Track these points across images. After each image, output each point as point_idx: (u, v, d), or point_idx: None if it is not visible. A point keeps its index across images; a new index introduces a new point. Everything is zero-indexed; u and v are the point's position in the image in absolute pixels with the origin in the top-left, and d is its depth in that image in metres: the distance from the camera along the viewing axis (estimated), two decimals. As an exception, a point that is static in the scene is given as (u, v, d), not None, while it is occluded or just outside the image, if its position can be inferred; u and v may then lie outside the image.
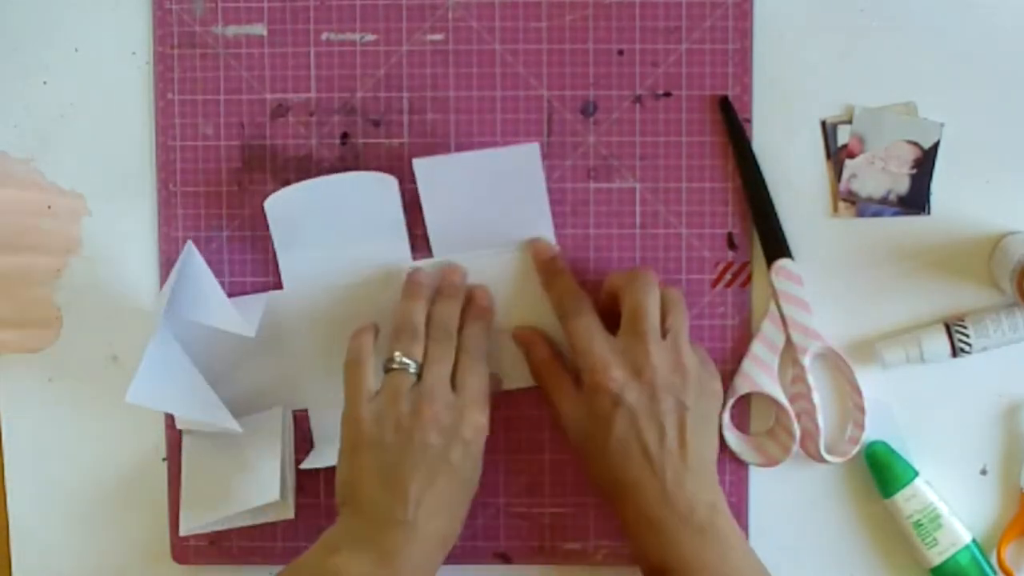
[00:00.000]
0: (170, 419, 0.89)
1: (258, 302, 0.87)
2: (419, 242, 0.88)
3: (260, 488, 0.85)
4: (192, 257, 0.84)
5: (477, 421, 0.82)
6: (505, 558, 0.90)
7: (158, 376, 0.82)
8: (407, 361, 0.82)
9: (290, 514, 0.88)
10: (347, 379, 0.83)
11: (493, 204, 0.86)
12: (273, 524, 0.89)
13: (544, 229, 0.87)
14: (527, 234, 0.87)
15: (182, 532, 0.87)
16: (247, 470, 0.86)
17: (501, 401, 0.88)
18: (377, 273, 0.88)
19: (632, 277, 0.83)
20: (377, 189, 0.86)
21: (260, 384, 0.88)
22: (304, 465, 0.87)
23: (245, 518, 0.87)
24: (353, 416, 0.82)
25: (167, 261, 0.89)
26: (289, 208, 0.86)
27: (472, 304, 0.86)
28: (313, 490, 0.90)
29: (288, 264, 0.88)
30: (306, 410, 0.89)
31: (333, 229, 0.87)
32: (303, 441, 0.89)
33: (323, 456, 0.87)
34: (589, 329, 0.83)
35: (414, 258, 0.88)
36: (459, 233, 0.87)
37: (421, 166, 0.85)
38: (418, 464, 0.80)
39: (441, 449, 0.80)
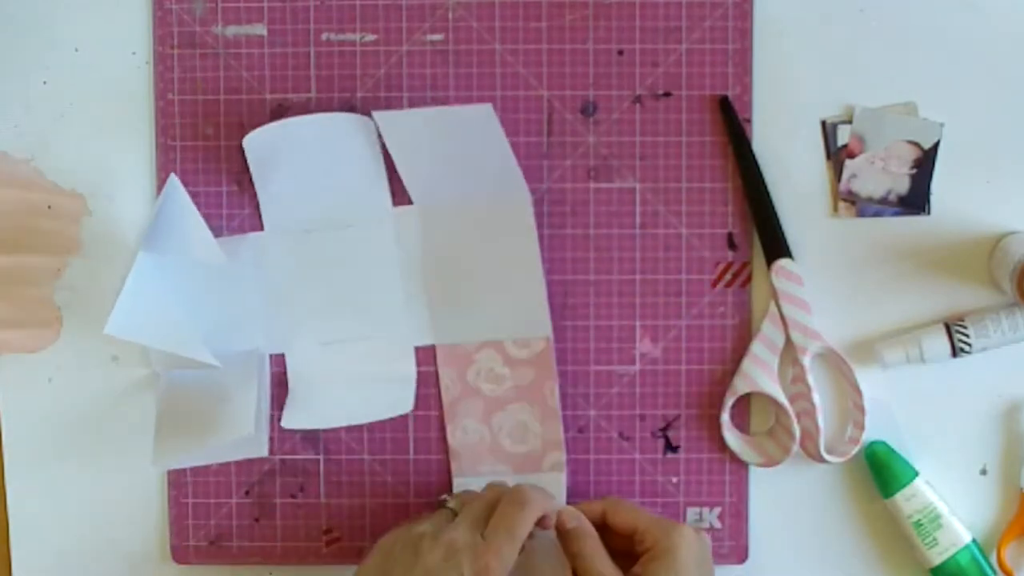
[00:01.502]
0: (170, 419, 0.90)
1: (239, 242, 0.87)
2: (400, 189, 0.88)
3: (234, 422, 0.85)
4: (175, 191, 0.84)
5: (487, 564, 0.77)
6: (505, 558, 0.90)
7: (137, 309, 0.82)
8: (453, 504, 0.83)
9: (263, 452, 0.88)
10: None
11: (459, 158, 0.85)
12: (273, 524, 0.89)
13: (515, 184, 0.86)
14: (499, 187, 0.86)
15: (156, 470, 0.87)
16: (221, 405, 0.86)
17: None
18: (357, 217, 0.88)
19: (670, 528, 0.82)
20: (356, 131, 0.86)
21: (238, 326, 0.88)
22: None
23: (220, 454, 0.87)
24: (389, 531, 0.82)
25: (167, 261, 0.89)
26: (268, 147, 0.86)
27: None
28: (313, 490, 0.90)
29: (268, 205, 0.88)
30: (283, 355, 0.89)
31: (313, 170, 0.87)
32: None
33: (298, 407, 0.87)
34: None
35: (394, 204, 0.88)
36: (432, 183, 0.87)
37: (382, 119, 0.85)
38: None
39: (436, 570, 0.77)
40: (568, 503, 0.87)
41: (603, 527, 0.84)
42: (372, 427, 0.89)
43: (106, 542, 0.91)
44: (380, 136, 0.86)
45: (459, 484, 0.88)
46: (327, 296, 0.88)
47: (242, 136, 0.88)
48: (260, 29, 0.88)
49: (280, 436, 0.89)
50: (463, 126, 0.84)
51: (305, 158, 0.86)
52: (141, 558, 0.91)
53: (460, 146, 0.85)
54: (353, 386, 0.88)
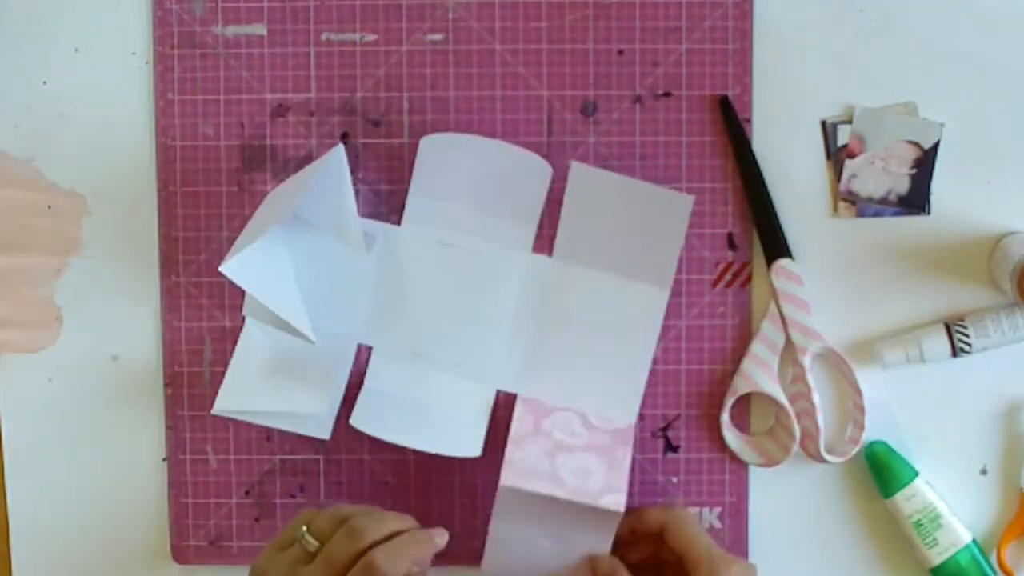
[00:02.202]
0: (171, 419, 0.89)
1: (371, 230, 0.87)
2: (545, 234, 0.88)
3: (309, 396, 0.85)
4: (338, 160, 0.84)
5: None
6: (505, 558, 0.90)
7: (259, 261, 0.82)
8: (310, 539, 0.78)
9: (326, 434, 0.88)
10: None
11: (629, 233, 0.86)
12: (273, 524, 0.90)
13: (664, 274, 0.86)
14: (647, 271, 0.86)
15: (216, 411, 0.87)
16: (300, 375, 0.86)
17: (500, 400, 0.88)
18: (495, 249, 0.88)
19: (683, 520, 0.83)
20: (532, 171, 0.86)
21: (341, 308, 0.88)
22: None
23: (282, 420, 0.87)
24: (256, 560, 0.80)
25: (167, 261, 0.89)
26: (442, 151, 0.86)
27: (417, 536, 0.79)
28: (314, 491, 0.90)
29: (415, 204, 0.88)
30: (371, 348, 0.89)
31: (473, 188, 0.87)
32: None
33: (369, 410, 0.87)
34: None
35: (535, 249, 0.88)
36: (586, 245, 0.87)
37: (577, 170, 0.86)
38: None
39: None
40: (628, 510, 0.83)
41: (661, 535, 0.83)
42: (372, 427, 0.89)
43: (106, 542, 0.91)
44: (550, 184, 0.86)
45: (504, 491, 0.84)
46: (436, 309, 0.88)
47: (242, 136, 0.88)
48: (260, 29, 0.88)
49: (280, 436, 0.89)
50: (654, 206, 0.85)
51: (471, 175, 0.86)
52: (141, 558, 0.91)
53: (639, 223, 0.85)
54: (427, 409, 0.88)
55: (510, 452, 0.85)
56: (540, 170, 0.86)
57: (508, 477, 0.83)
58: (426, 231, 0.88)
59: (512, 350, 0.88)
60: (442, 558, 0.89)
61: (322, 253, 0.87)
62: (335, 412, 0.88)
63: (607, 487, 0.83)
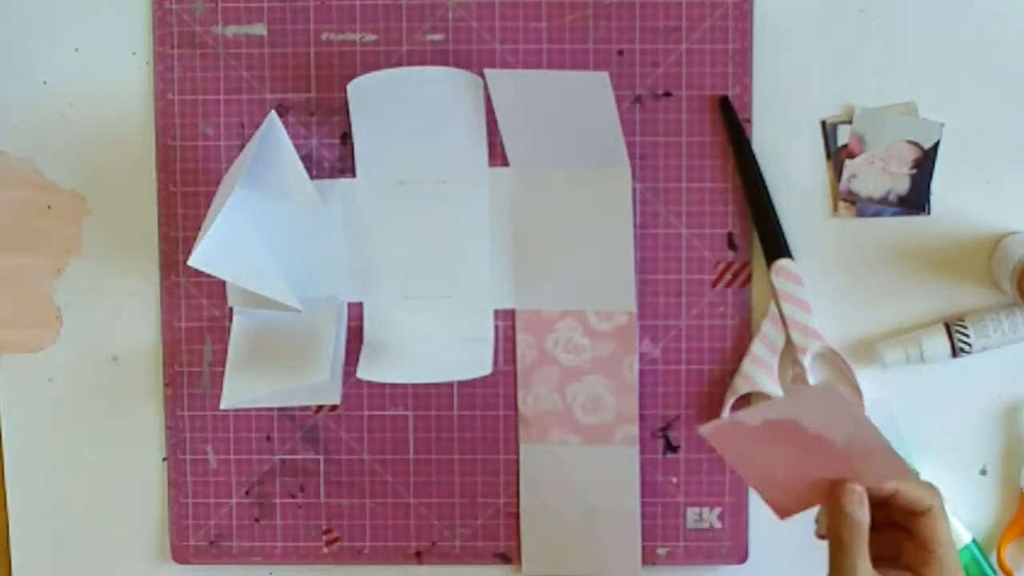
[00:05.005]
0: (171, 419, 0.89)
1: (329, 187, 0.87)
2: (497, 150, 0.88)
3: (310, 367, 0.85)
4: (274, 128, 0.84)
5: None
6: (505, 558, 0.90)
7: (224, 245, 0.82)
8: None
9: (337, 399, 0.88)
10: None
11: (565, 124, 0.85)
12: (273, 524, 0.90)
13: (617, 155, 0.86)
14: (600, 157, 0.86)
15: (224, 405, 0.86)
16: (298, 349, 0.86)
17: (500, 399, 0.88)
18: (452, 174, 0.88)
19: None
20: (462, 88, 0.86)
21: (320, 271, 0.88)
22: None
23: (292, 397, 0.87)
24: None
25: (167, 261, 0.89)
26: (372, 94, 0.86)
27: None
28: (313, 490, 0.90)
29: (364, 152, 0.88)
30: (361, 303, 0.89)
31: (414, 122, 0.87)
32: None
33: (374, 359, 0.87)
34: None
35: (490, 164, 0.88)
36: (533, 147, 0.87)
37: (493, 77, 0.84)
38: None
39: None
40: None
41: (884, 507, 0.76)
42: (372, 427, 0.89)
43: (106, 542, 0.91)
44: (485, 96, 0.86)
45: (526, 451, 0.88)
46: (413, 250, 0.88)
47: (242, 136, 0.88)
48: (260, 29, 0.88)
49: (280, 436, 0.89)
50: (575, 91, 0.84)
51: (408, 109, 0.86)
52: (141, 558, 0.91)
53: (568, 111, 0.84)
54: (431, 344, 0.88)
55: (521, 400, 0.87)
56: (470, 83, 0.86)
57: (526, 438, 0.87)
58: (382, 176, 0.88)
59: (498, 268, 0.88)
60: (443, 557, 0.90)
61: (286, 222, 0.87)
62: (340, 375, 0.88)
63: (619, 417, 0.87)
